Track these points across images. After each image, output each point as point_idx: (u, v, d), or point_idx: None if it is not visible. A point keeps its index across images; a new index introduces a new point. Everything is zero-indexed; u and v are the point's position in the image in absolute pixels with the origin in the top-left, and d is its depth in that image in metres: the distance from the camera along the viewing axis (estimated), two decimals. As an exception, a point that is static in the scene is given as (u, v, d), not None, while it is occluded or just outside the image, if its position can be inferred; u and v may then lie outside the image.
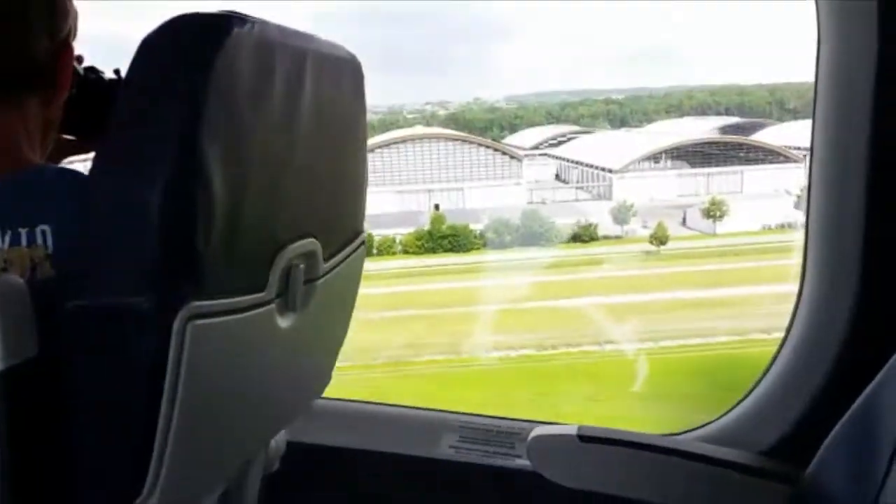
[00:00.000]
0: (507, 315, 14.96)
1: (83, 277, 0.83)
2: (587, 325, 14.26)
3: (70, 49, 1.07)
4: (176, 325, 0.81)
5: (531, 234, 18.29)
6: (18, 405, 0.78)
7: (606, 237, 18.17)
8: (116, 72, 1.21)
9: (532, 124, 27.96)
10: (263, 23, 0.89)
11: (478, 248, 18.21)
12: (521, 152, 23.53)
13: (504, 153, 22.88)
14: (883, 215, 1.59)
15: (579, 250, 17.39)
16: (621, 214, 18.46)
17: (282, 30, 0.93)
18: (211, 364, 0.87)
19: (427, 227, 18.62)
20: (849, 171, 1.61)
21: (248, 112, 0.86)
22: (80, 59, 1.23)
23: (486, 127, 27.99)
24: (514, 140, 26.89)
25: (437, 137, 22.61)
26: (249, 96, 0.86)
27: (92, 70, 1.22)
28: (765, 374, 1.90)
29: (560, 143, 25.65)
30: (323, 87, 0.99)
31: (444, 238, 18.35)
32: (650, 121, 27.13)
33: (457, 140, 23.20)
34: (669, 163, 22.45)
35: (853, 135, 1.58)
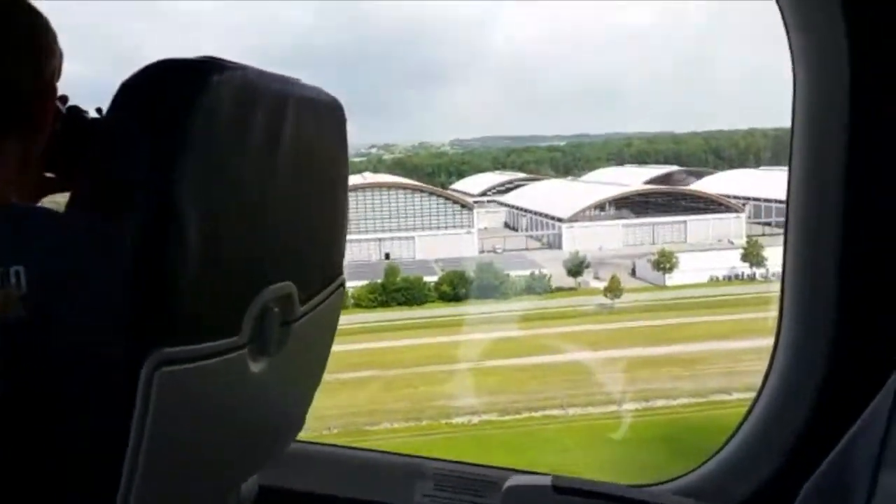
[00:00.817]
0: (467, 375, 14.06)
1: (55, 319, 0.81)
2: (549, 386, 13.49)
3: (53, 90, 1.03)
4: (144, 372, 0.76)
5: (486, 286, 17.53)
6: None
7: (560, 289, 17.56)
8: (99, 111, 1.12)
9: (479, 170, 27.48)
10: (244, 69, 0.86)
11: (432, 302, 17.33)
12: (471, 199, 22.95)
13: (455, 202, 22.26)
14: (858, 270, 1.52)
15: (535, 303, 16.70)
16: (574, 266, 17.91)
17: (263, 75, 0.90)
18: (179, 409, 0.82)
19: (380, 279, 17.67)
20: (823, 226, 1.55)
21: (227, 157, 0.83)
22: (63, 99, 1.14)
23: (434, 172, 27.42)
24: (462, 186, 26.31)
25: (388, 186, 21.83)
26: (228, 141, 0.83)
27: (75, 109, 1.14)
28: (740, 426, 1.79)
29: (508, 189, 25.27)
30: (304, 131, 0.95)
31: (397, 291, 17.44)
32: (592, 168, 27.01)
33: (407, 188, 22.49)
34: (614, 211, 22.24)
35: (828, 181, 1.53)
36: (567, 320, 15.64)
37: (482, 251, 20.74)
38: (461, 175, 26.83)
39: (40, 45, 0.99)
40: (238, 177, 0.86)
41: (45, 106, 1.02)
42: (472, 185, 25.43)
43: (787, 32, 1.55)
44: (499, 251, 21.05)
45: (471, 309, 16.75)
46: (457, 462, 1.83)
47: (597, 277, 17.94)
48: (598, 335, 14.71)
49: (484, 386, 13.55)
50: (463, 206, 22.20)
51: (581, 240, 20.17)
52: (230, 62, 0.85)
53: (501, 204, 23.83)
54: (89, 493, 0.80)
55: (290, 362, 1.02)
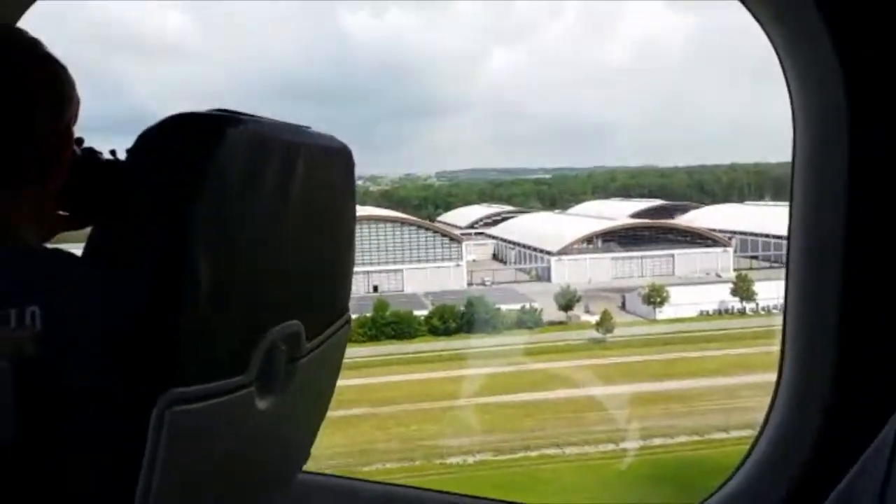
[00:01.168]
0: (461, 413, 13.58)
1: (68, 359, 0.82)
2: (545, 423, 13.06)
3: (71, 136, 1.06)
4: (155, 412, 0.79)
5: (476, 320, 17.13)
6: (16, 472, 0.77)
7: (551, 323, 17.22)
8: (112, 152, 1.16)
9: (466, 202, 27.18)
10: (257, 121, 0.90)
11: (422, 336, 16.90)
12: (458, 231, 22.59)
13: (443, 234, 21.88)
14: (860, 305, 1.50)
15: (527, 338, 16.33)
16: (565, 300, 17.59)
17: (276, 126, 0.94)
18: (188, 447, 0.85)
19: (369, 313, 17.22)
20: (824, 261, 1.53)
21: (239, 206, 0.86)
22: (79, 142, 1.16)
23: (421, 204, 27.08)
24: (449, 218, 25.92)
25: (375, 219, 21.44)
26: (241, 190, 0.86)
27: (89, 151, 1.17)
28: (744, 461, 1.70)
29: (496, 222, 24.95)
30: (314, 178, 0.99)
31: (387, 325, 16.97)
32: (578, 201, 26.83)
33: (395, 221, 22.08)
34: (602, 243, 22.03)
35: (829, 221, 1.51)
36: (560, 355, 15.27)
37: (471, 284, 20.39)
38: (448, 207, 26.51)
39: (59, 94, 1.01)
40: (249, 223, 0.88)
41: (62, 151, 1.04)
42: (459, 217, 25.11)
43: (781, 63, 1.56)
44: (488, 284, 20.70)
45: (462, 343, 16.33)
46: (460, 495, 1.79)
47: (588, 311, 17.65)
48: (593, 371, 14.35)
49: (477, 424, 13.09)
50: (451, 238, 21.85)
51: (570, 273, 19.91)
52: (244, 114, 0.88)
53: (489, 236, 23.54)
54: None
55: (296, 398, 1.03)
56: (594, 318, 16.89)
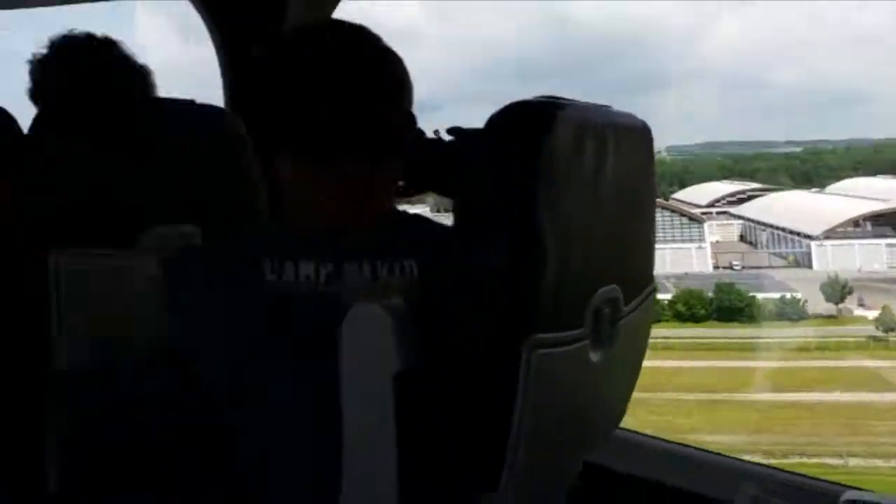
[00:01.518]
0: (720, 407, 12.73)
1: (444, 306, 0.96)
2: (821, 428, 11.80)
3: (411, 117, 1.22)
4: (524, 353, 0.93)
5: (728, 308, 15.95)
6: (406, 404, 0.91)
7: (819, 316, 15.52)
8: (436, 132, 1.37)
9: (703, 178, 25.46)
10: (574, 105, 1.00)
11: (667, 321, 16.10)
12: (698, 210, 21.19)
13: (682, 214, 20.62)
14: None
15: (790, 331, 14.88)
16: (834, 291, 15.74)
17: (586, 108, 1.05)
18: (548, 389, 0.97)
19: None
20: None
21: (567, 183, 0.97)
22: None
23: (654, 181, 25.55)
24: (685, 195, 24.40)
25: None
26: (567, 170, 0.97)
27: (419, 130, 1.34)
28: None
29: (740, 200, 23.03)
30: (621, 157, 1.06)
31: (630, 308, 16.41)
32: (837, 177, 23.93)
33: (632, 199, 20.86)
34: (871, 227, 19.46)
35: None
36: (834, 353, 13.69)
37: (716, 267, 19.05)
38: (683, 184, 24.98)
39: (402, 81, 1.15)
40: (576, 200, 0.98)
41: (408, 131, 1.20)
42: (698, 194, 23.52)
43: None
44: (737, 268, 19.20)
45: (713, 332, 15.30)
46: (783, 471, 1.77)
47: (861, 304, 15.66)
48: (878, 374, 12.67)
49: (741, 421, 12.16)
50: (691, 218, 20.53)
51: (835, 259, 17.81)
52: (564, 99, 0.98)
53: (734, 216, 21.79)
54: (477, 471, 0.95)
55: (617, 355, 1.13)
56: (871, 313, 14.94)
